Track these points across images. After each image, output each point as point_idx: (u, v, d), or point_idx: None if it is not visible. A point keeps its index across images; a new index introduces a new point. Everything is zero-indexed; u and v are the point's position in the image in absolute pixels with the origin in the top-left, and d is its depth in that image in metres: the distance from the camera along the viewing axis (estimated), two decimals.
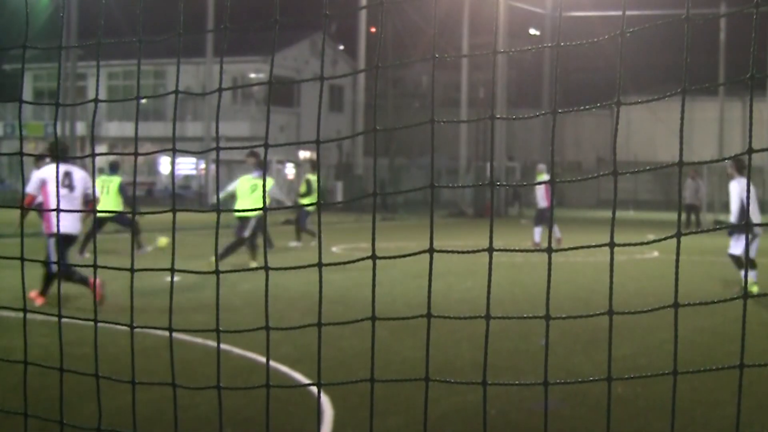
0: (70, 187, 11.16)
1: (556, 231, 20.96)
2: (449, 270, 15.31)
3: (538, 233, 21.37)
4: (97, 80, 3.04)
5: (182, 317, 10.00)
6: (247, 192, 16.55)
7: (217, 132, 2.80)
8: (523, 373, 7.56)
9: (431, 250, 2.71)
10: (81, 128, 45.16)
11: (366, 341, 2.47)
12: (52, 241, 10.88)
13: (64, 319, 3.17)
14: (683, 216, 28.75)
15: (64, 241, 10.97)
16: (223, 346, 8.15)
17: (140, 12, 2.89)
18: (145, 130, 48.44)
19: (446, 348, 8.47)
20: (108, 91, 53.60)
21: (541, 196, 21.30)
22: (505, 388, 6.79)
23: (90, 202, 11.34)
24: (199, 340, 8.55)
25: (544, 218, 21.16)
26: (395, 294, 12.51)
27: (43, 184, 10.91)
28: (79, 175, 11.38)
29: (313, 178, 21.41)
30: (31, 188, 11.00)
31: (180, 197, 47.51)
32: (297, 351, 8.20)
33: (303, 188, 22.07)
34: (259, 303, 3.08)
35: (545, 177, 21.01)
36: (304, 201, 20.42)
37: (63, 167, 11.03)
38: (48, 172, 11.12)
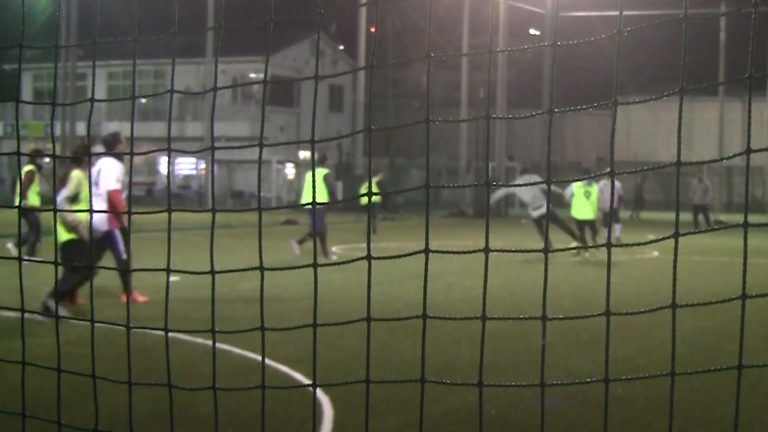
0: (96, 184, 11.39)
1: (617, 230, 22.40)
2: (449, 270, 15.30)
3: (618, 229, 22.60)
4: (93, 80, 3.03)
5: (182, 317, 10.00)
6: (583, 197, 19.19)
7: (212, 131, 2.79)
8: (523, 373, 7.55)
9: (426, 251, 2.70)
10: (81, 128, 45.16)
11: (366, 341, 2.48)
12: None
13: (64, 320, 3.16)
14: (692, 216, 29.42)
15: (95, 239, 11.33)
16: (223, 346, 8.16)
17: (135, 11, 2.89)
18: (145, 130, 48.43)
19: (446, 348, 8.47)
20: (108, 91, 53.58)
21: (617, 198, 23.46)
22: (505, 388, 6.78)
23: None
24: (199, 339, 8.54)
25: (618, 216, 23.24)
26: (395, 294, 12.51)
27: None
28: (103, 172, 11.42)
29: (375, 180, 22.71)
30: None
31: (179, 197, 47.49)
32: (297, 351, 8.20)
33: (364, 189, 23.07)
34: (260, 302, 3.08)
35: (616, 183, 23.38)
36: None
37: (98, 164, 11.34)
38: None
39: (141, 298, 11.34)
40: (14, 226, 16.70)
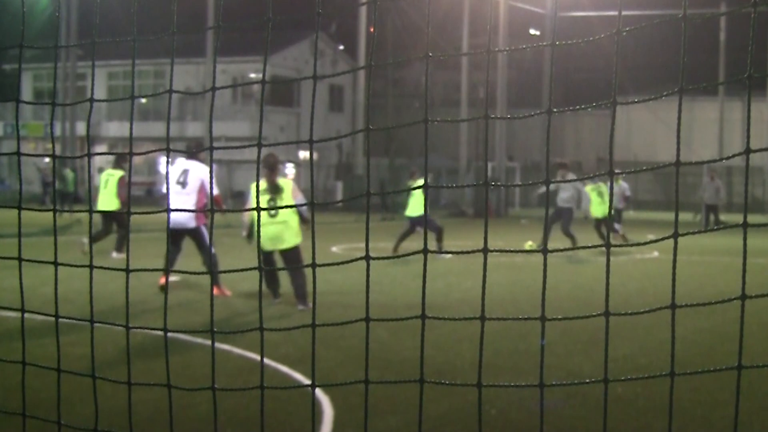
0: (183, 184, 11.80)
1: (617, 228, 23.10)
2: (450, 270, 15.30)
3: (619, 228, 23.36)
4: (93, 80, 3.03)
5: (182, 317, 9.99)
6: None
7: (210, 131, 2.79)
8: (523, 373, 7.55)
9: (426, 251, 2.71)
10: (81, 128, 45.19)
11: (365, 341, 2.48)
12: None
13: (65, 320, 3.16)
14: (704, 216, 29.55)
15: (174, 234, 11.83)
16: (223, 346, 8.16)
17: (134, 11, 2.89)
18: (145, 130, 48.45)
19: (446, 348, 8.47)
20: (108, 91, 53.58)
21: (622, 199, 24.48)
22: (505, 388, 6.78)
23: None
24: (199, 340, 8.54)
25: (621, 216, 24.20)
26: (395, 294, 12.51)
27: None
28: (195, 173, 11.84)
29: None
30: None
31: None
32: (297, 351, 8.20)
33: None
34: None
35: (624, 183, 24.89)
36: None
37: (183, 165, 11.82)
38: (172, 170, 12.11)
39: (227, 292, 11.85)
40: (96, 226, 16.80)
